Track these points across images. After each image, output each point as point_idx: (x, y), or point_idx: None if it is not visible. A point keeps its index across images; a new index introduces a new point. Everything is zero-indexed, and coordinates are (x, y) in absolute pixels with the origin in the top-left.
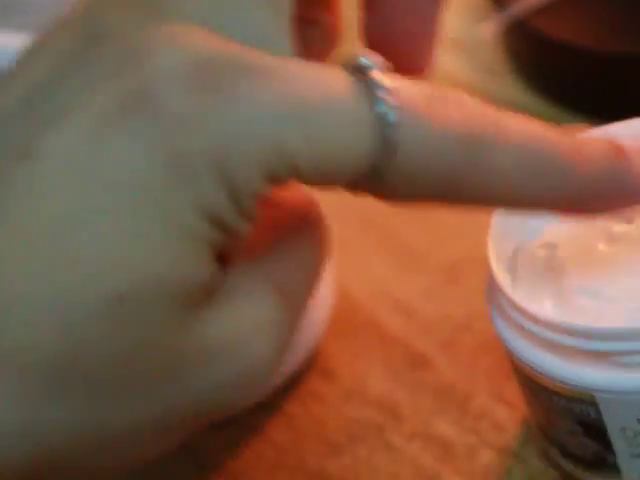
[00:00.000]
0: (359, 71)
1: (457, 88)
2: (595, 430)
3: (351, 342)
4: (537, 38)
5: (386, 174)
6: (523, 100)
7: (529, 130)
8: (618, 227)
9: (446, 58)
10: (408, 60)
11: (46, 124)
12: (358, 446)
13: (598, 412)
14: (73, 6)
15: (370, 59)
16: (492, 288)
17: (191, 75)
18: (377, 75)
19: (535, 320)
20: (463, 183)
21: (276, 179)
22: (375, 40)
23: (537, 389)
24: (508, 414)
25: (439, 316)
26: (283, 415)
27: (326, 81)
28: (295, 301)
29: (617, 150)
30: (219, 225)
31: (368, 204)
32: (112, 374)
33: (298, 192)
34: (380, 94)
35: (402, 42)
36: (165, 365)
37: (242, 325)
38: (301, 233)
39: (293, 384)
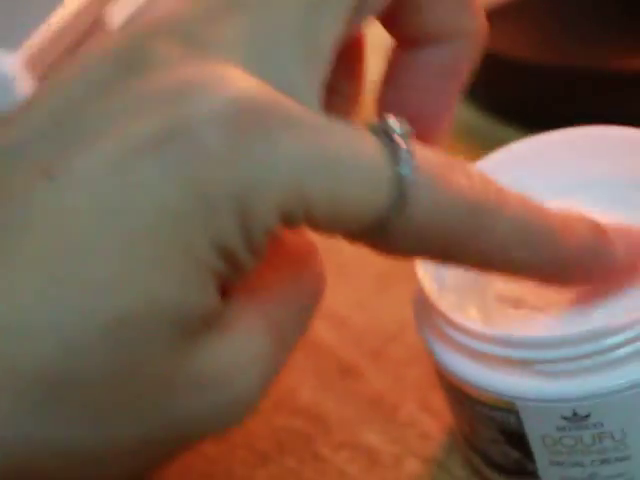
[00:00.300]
0: (384, 132)
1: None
2: (516, 438)
3: None
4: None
5: (393, 227)
6: (470, 117)
7: (526, 202)
8: None
9: None
10: (422, 135)
11: (74, 146)
12: (286, 456)
13: (519, 420)
14: (114, 32)
15: (396, 123)
16: (419, 297)
17: (230, 117)
18: (400, 138)
19: (459, 328)
20: (463, 245)
21: (290, 221)
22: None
23: (461, 397)
24: (434, 424)
25: (369, 326)
26: None
27: (354, 138)
28: (287, 342)
29: (600, 229)
30: (228, 258)
31: None
32: (105, 395)
33: (301, 235)
34: (402, 155)
35: (418, 118)
36: (156, 390)
37: (236, 357)
38: (301, 276)
39: None
